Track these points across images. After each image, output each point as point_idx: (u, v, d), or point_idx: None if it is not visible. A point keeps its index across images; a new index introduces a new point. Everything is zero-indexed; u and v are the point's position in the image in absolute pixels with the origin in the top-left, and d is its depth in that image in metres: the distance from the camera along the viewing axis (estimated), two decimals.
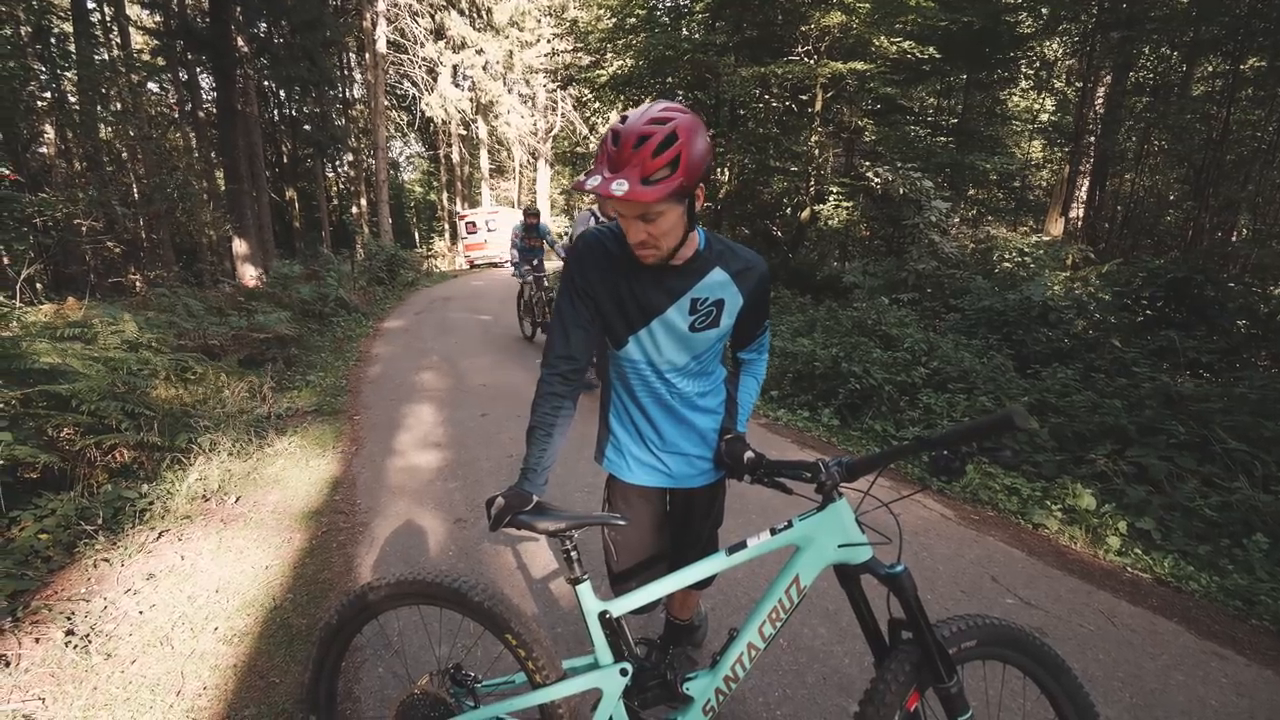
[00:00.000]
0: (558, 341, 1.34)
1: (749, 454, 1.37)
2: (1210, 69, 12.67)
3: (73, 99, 12.33)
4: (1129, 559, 2.91)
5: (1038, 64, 14.23)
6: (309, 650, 1.41)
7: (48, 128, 12.64)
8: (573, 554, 1.26)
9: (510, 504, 1.25)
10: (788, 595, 1.20)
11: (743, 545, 1.23)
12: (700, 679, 1.30)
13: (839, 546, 1.17)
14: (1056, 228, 12.54)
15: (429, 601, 1.32)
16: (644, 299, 1.31)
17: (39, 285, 6.78)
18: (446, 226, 28.58)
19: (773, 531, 1.21)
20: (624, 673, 1.27)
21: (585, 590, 1.27)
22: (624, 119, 1.10)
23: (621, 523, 1.29)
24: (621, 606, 1.28)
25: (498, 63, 23.02)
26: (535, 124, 26.34)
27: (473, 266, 22.01)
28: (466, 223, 22.67)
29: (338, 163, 25.74)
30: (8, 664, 2.04)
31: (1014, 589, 2.58)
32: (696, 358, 1.40)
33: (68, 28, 12.22)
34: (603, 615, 1.27)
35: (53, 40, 11.73)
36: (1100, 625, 2.35)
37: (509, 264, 7.90)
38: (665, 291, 1.30)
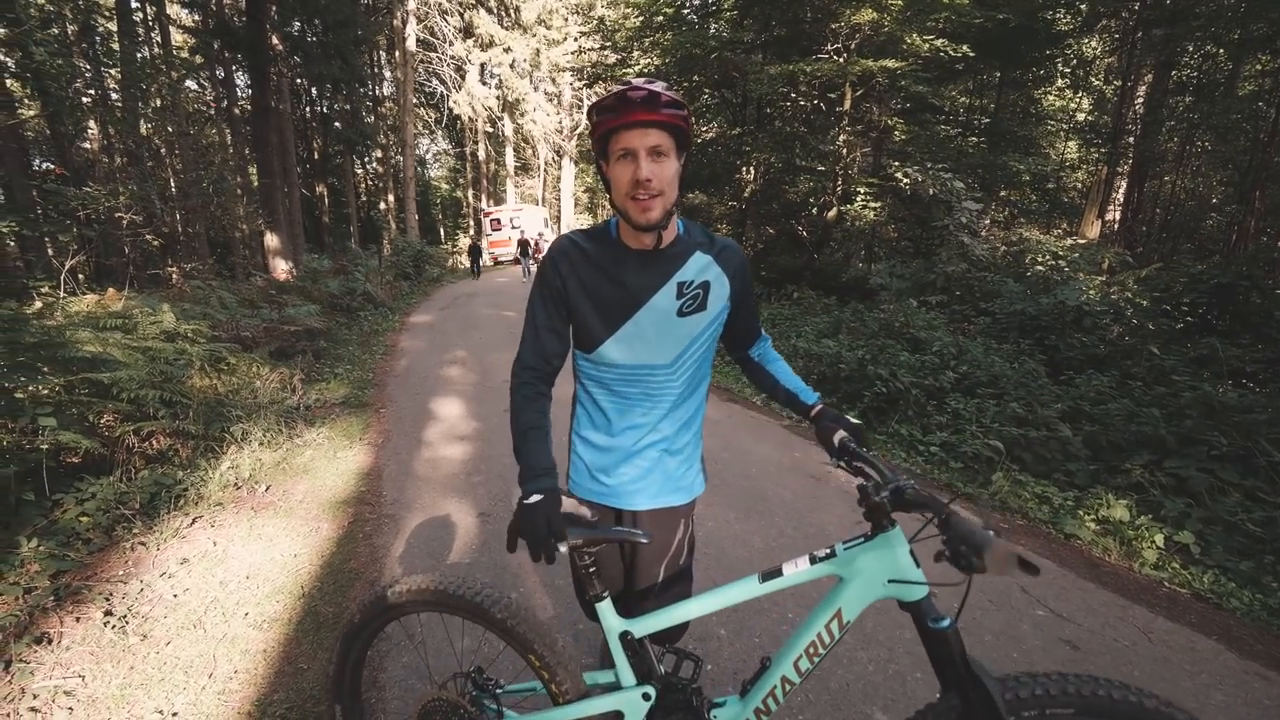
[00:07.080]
0: (530, 346, 1.31)
1: (840, 434, 1.23)
2: (1259, 67, 12.22)
3: (115, 96, 12.71)
4: (1166, 573, 2.82)
5: (1075, 62, 13.84)
6: (333, 644, 1.42)
7: (91, 124, 13.06)
8: (591, 570, 1.18)
9: (551, 506, 1.16)
10: (828, 630, 1.06)
11: (778, 572, 1.10)
12: (729, 707, 1.21)
13: (889, 582, 1.02)
14: (1092, 230, 12.19)
15: (451, 611, 1.28)
16: (628, 288, 1.25)
17: (80, 276, 7.00)
18: (471, 223, 28.90)
19: (813, 560, 1.08)
20: (646, 697, 1.21)
21: (606, 608, 1.20)
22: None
23: (644, 540, 1.16)
24: (645, 627, 1.20)
25: (525, 61, 23.18)
26: (561, 122, 26.50)
27: (497, 263, 22.23)
28: (491, 219, 22.93)
29: (367, 159, 26.16)
30: (50, 641, 2.11)
31: (1045, 601, 2.52)
32: (684, 350, 1.31)
33: (112, 26, 12.60)
34: (624, 636, 1.20)
35: (97, 39, 12.11)
36: (1136, 641, 2.28)
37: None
38: (651, 276, 1.25)
